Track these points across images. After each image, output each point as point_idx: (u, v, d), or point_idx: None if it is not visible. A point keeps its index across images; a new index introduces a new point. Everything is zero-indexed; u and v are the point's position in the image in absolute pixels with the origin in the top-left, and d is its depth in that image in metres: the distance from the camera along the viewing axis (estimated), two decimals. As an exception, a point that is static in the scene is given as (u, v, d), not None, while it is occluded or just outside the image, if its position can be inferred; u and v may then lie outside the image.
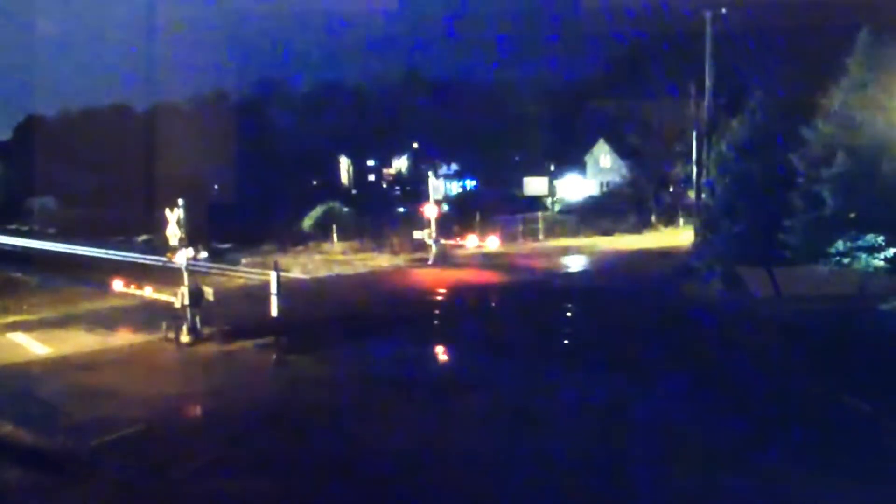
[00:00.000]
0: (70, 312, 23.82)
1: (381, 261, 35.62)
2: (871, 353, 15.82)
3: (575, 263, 34.70)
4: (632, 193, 52.97)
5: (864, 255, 22.03)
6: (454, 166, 67.89)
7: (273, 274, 19.88)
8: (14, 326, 21.79)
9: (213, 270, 28.91)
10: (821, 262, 22.36)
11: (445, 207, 39.00)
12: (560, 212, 53.47)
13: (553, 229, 45.93)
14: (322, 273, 31.66)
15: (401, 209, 53.26)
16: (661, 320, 19.86)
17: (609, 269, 31.86)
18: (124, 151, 58.53)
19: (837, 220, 22.35)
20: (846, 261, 22.12)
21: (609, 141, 59.81)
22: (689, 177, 37.46)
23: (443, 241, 33.74)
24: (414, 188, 58.60)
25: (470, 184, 67.49)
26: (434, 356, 18.78)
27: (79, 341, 19.72)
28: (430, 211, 33.27)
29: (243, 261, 33.99)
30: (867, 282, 21.45)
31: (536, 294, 25.59)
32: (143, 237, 44.39)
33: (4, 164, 66.22)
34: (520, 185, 58.30)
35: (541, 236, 44.23)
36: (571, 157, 60.63)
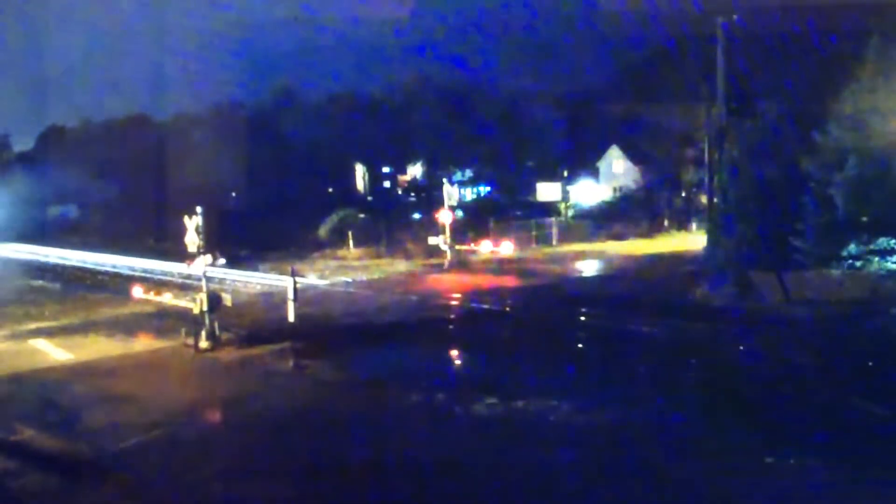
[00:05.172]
0: (91, 319, 24.17)
1: (397, 266, 35.81)
2: (883, 357, 15.86)
3: (588, 268, 34.78)
4: (645, 198, 52.97)
5: (876, 259, 22.07)
6: (468, 173, 67.92)
7: (290, 280, 20.15)
8: (36, 333, 22.17)
9: (231, 277, 29.22)
10: (833, 266, 22.39)
11: (460, 213, 39.26)
12: (573, 217, 53.47)
13: (566, 234, 45.98)
14: (339, 279, 31.89)
15: (416, 215, 53.41)
16: (672, 326, 19.95)
17: (622, 274, 31.92)
18: (143, 161, 59.11)
19: (849, 223, 22.41)
20: (858, 264, 22.16)
21: (622, 146, 59.77)
22: (701, 181, 37.53)
23: (457, 247, 34.00)
24: (429, 195, 58.74)
25: (484, 190, 67.54)
26: (451, 361, 18.96)
27: (99, 347, 20.07)
28: (444, 217, 33.55)
29: (260, 267, 34.29)
30: (880, 285, 21.47)
31: (550, 299, 25.73)
32: (162, 244, 44.78)
33: (26, 173, 66.95)
34: (533, 190, 58.28)
35: (554, 241, 44.31)
36: (584, 163, 60.57)
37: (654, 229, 48.46)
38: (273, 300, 25.24)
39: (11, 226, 52.42)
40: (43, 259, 44.22)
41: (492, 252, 36.16)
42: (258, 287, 29.39)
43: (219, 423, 14.79)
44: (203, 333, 18.75)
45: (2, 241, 49.91)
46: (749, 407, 13.35)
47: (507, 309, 24.10)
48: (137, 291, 22.37)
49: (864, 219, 22.34)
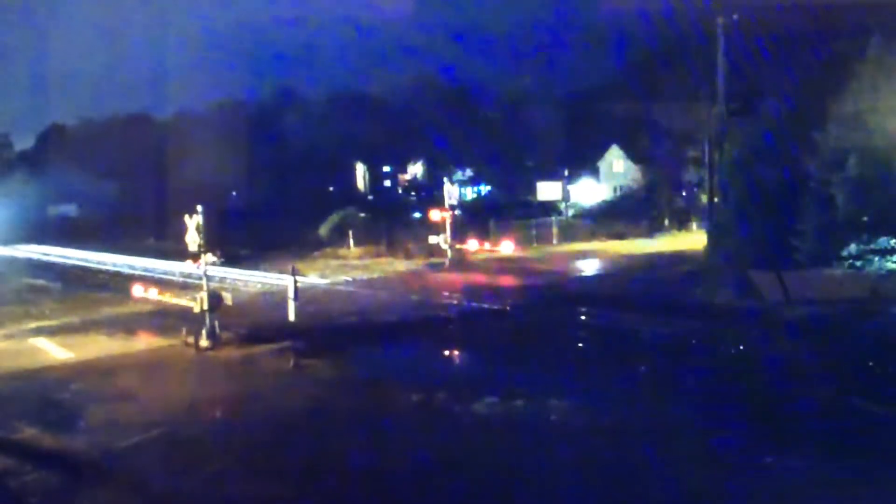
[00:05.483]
0: (91, 317, 24.21)
1: (398, 265, 35.87)
2: (883, 357, 15.85)
3: (589, 267, 34.80)
4: (645, 198, 53.05)
5: (876, 259, 22.06)
6: (469, 172, 68.07)
7: (290, 279, 20.15)
8: (37, 332, 22.24)
9: (232, 276, 29.28)
10: (833, 266, 22.39)
11: (458, 212, 39.27)
12: (574, 216, 53.51)
13: (567, 233, 46.02)
14: (339, 278, 31.93)
15: (416, 214, 53.49)
16: (672, 325, 19.94)
17: (622, 274, 31.94)
18: (144, 160, 59.25)
19: (849, 223, 22.41)
20: (859, 264, 22.15)
21: (622, 146, 59.92)
22: (701, 181, 37.55)
23: (458, 246, 34.03)
24: (429, 194, 58.86)
25: (484, 189, 67.66)
26: (451, 360, 18.97)
27: (99, 346, 20.11)
28: (438, 216, 33.60)
29: (261, 266, 34.34)
30: (880, 285, 21.46)
31: (551, 298, 25.74)
32: (162, 243, 44.85)
33: (27, 171, 67.06)
34: (533, 190, 58.37)
35: (555, 241, 44.34)
36: (585, 162, 60.70)
37: (654, 229, 48.50)
38: (273, 299, 25.28)
39: (15, 227, 52.34)
40: (44, 258, 44.30)
41: (492, 251, 36.20)
42: (259, 286, 29.43)
43: (219, 422, 14.78)
44: (203, 332, 18.78)
45: (10, 244, 49.84)
46: (749, 406, 13.36)
47: (508, 308, 24.08)
48: (138, 290, 22.39)
49: (865, 219, 22.35)
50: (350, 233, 43.78)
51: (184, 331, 19.29)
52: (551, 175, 57.78)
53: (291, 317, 19.79)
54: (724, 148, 26.25)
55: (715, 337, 18.77)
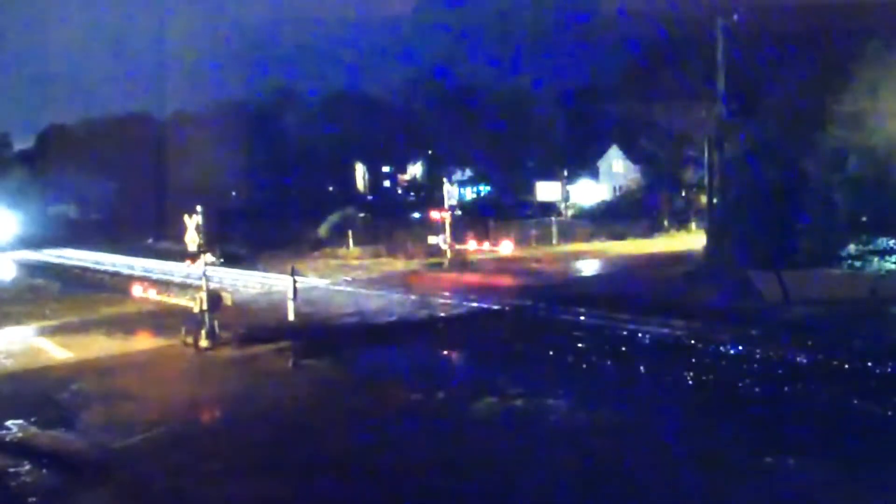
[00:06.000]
0: (90, 317, 24.21)
1: (397, 265, 35.84)
2: (883, 357, 15.84)
3: (588, 268, 34.76)
4: (644, 198, 52.99)
5: (875, 259, 22.09)
6: (469, 172, 68.01)
7: (290, 279, 20.16)
8: (36, 331, 22.28)
9: (231, 276, 29.27)
10: (833, 266, 22.40)
11: (458, 213, 39.32)
12: (573, 217, 53.47)
13: (566, 234, 45.95)
14: (338, 278, 31.92)
15: (416, 214, 53.48)
16: (671, 326, 19.89)
17: (621, 274, 31.89)
18: (144, 159, 59.20)
19: (849, 223, 22.46)
20: (858, 264, 22.18)
21: (622, 146, 59.87)
22: (701, 181, 37.54)
23: (457, 246, 34.02)
24: (429, 194, 58.86)
25: (484, 189, 67.61)
26: (450, 360, 18.96)
27: (99, 346, 20.10)
28: (444, 216, 33.59)
29: (260, 266, 34.33)
30: (879, 285, 21.46)
31: (550, 298, 25.63)
32: (162, 243, 44.90)
33: (27, 171, 67.02)
34: (533, 190, 58.31)
35: (554, 241, 44.27)
36: (584, 163, 60.61)
37: (654, 229, 48.38)
38: (273, 299, 25.28)
39: (24, 230, 52.01)
40: (43, 259, 44.31)
41: (491, 251, 36.18)
42: (258, 286, 29.43)
43: (218, 422, 14.81)
44: (203, 332, 18.78)
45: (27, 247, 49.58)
46: (748, 406, 13.37)
47: (506, 308, 24.07)
48: (137, 290, 22.41)
49: (864, 219, 22.42)
50: (349, 233, 43.76)
51: (183, 331, 19.29)
52: (551, 175, 57.64)
53: (291, 317, 19.81)
54: (723, 148, 26.22)
55: (713, 338, 18.74)
